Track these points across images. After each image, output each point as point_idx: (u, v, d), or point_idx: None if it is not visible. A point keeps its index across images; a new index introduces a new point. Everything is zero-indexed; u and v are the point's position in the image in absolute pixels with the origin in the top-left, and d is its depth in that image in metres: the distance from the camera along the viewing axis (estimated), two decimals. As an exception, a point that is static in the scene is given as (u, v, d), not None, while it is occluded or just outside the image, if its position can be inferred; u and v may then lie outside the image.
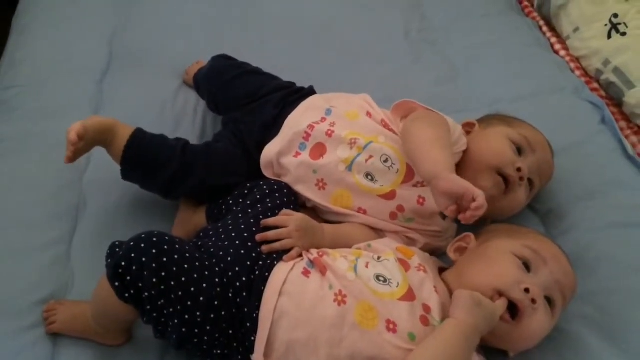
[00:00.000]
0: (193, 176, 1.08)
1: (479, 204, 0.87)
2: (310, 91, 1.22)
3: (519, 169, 1.06)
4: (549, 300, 0.92)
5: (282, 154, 1.10)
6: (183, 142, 1.11)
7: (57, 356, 0.93)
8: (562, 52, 1.62)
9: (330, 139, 1.07)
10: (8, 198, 1.15)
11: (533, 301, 0.88)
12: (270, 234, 0.95)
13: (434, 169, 0.92)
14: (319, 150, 1.08)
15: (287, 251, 0.94)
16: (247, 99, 1.19)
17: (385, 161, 1.05)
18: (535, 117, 1.21)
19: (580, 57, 1.58)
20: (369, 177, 1.05)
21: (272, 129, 1.13)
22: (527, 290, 0.88)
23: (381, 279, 0.90)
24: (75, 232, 1.12)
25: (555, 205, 1.21)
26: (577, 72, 1.55)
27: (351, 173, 1.05)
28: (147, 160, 1.07)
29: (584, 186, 1.23)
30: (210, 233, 0.98)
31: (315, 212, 1.11)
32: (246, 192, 1.07)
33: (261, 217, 0.99)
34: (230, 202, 1.07)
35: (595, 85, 1.53)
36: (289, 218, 0.98)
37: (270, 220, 0.98)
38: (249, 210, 1.02)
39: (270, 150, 1.11)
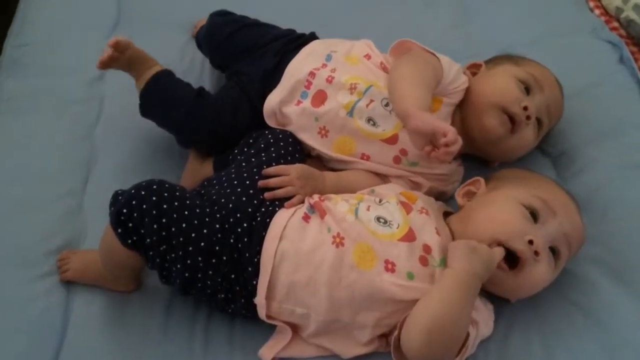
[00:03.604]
0: (203, 123, 1.09)
1: (449, 139, 0.86)
2: (311, 37, 1.20)
3: (525, 108, 1.03)
4: (553, 251, 0.91)
5: (283, 102, 1.09)
6: (200, 88, 1.14)
7: (71, 302, 0.97)
8: (582, -10, 1.55)
9: (331, 85, 1.06)
10: (21, 153, 1.17)
11: (536, 253, 0.87)
12: (272, 181, 0.96)
13: (405, 106, 0.92)
14: (320, 97, 1.07)
15: (289, 198, 0.95)
16: (248, 51, 1.18)
17: (386, 105, 1.03)
18: (551, 59, 1.18)
19: (601, -5, 1.52)
20: (371, 122, 1.04)
21: (273, 77, 1.12)
22: (530, 242, 0.87)
23: (381, 220, 0.91)
24: (87, 184, 1.14)
25: (568, 147, 1.19)
26: (597, 11, 1.50)
27: (352, 119, 1.04)
28: (161, 97, 1.11)
29: (598, 127, 1.20)
30: (214, 181, 0.99)
31: (320, 160, 1.11)
32: (251, 141, 1.08)
33: (264, 165, 1.00)
34: (236, 151, 1.08)
35: (615, 24, 1.47)
36: (290, 166, 0.99)
37: (271, 169, 0.98)
38: (253, 159, 1.02)
39: (272, 100, 1.10)
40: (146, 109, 1.12)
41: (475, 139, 1.08)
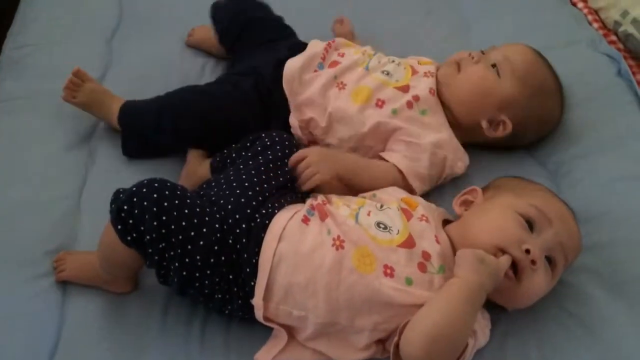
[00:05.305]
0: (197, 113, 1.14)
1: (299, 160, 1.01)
2: None
3: (527, 251, 0.88)
4: (550, 260, 0.90)
5: (304, 69, 1.17)
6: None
7: (67, 303, 0.96)
8: (580, 4, 1.56)
9: (343, 57, 1.20)
10: (20, 154, 1.17)
11: (533, 262, 0.87)
12: (298, 170, 1.01)
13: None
14: (336, 63, 1.19)
15: (294, 200, 0.99)
16: (266, 42, 1.26)
17: (393, 61, 1.19)
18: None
19: (599, 9, 1.53)
20: (385, 73, 1.16)
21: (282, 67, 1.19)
22: (527, 251, 0.87)
23: (382, 226, 0.91)
24: (85, 186, 1.14)
25: (565, 158, 1.19)
26: (595, 25, 1.51)
27: (369, 72, 1.16)
28: (140, 129, 1.17)
29: (596, 139, 1.20)
30: (213, 184, 0.99)
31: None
32: (248, 144, 1.08)
33: (262, 168, 1.00)
34: (233, 154, 1.09)
35: (614, 37, 1.48)
36: (306, 149, 1.04)
37: (293, 157, 1.02)
38: (250, 162, 1.03)
39: (293, 64, 1.17)
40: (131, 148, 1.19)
41: None
